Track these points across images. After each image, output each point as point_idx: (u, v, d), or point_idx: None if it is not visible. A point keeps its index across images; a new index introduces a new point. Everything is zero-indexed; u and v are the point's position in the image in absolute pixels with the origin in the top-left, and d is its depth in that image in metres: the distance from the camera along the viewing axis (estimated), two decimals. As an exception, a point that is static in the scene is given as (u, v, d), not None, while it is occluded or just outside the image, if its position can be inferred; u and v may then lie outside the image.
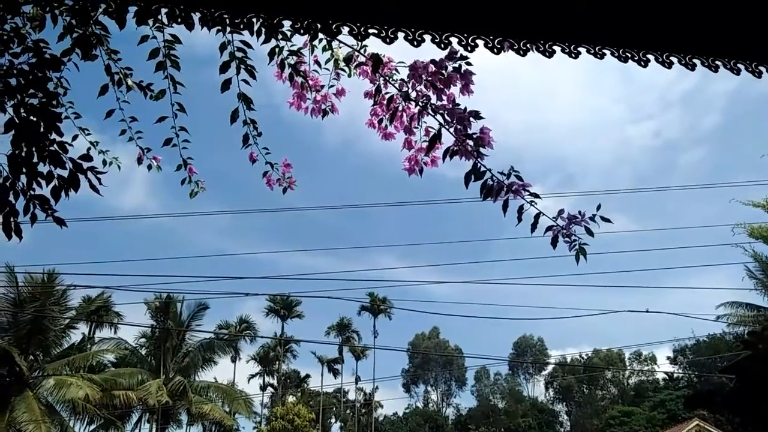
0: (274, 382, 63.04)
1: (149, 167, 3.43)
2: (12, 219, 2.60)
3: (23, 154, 2.59)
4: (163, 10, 2.37)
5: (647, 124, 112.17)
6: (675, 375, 60.05)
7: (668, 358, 66.40)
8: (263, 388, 63.29)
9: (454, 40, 2.44)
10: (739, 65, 2.72)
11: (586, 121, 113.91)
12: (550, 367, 79.13)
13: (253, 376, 62.76)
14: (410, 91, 2.75)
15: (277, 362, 61.79)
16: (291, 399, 54.86)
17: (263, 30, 2.50)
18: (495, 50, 2.45)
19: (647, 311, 18.09)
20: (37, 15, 2.51)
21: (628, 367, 72.52)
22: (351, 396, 70.98)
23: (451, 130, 2.64)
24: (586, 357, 73.10)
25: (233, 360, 57.52)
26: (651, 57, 2.63)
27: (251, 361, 61.99)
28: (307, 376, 65.69)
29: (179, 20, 2.36)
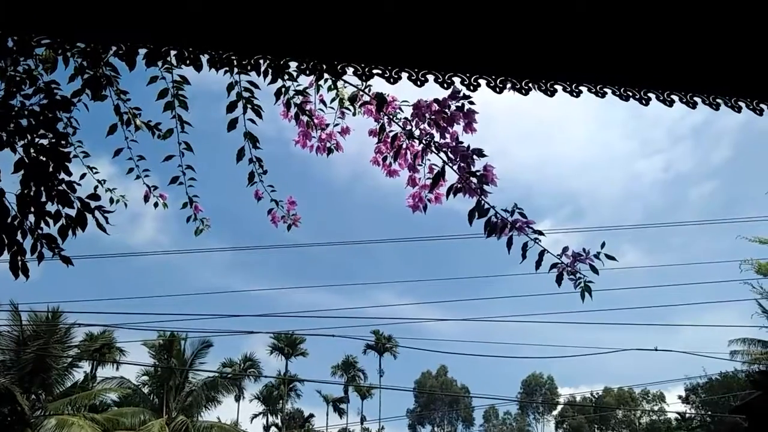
0: (278, 421, 61.87)
1: (155, 205, 3.45)
2: (19, 258, 2.61)
3: (32, 194, 2.61)
4: (173, 52, 2.42)
5: (657, 158, 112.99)
6: (687, 414, 58.56)
7: (680, 397, 64.89)
8: (266, 428, 62.09)
9: (456, 80, 2.46)
10: (740, 103, 2.73)
11: (596, 155, 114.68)
12: (560, 407, 77.51)
13: (256, 415, 61.69)
14: (414, 129, 2.78)
15: (281, 401, 60.77)
16: (295, 439, 53.74)
17: (270, 71, 2.55)
18: (497, 89, 2.47)
19: (656, 349, 17.76)
20: (49, 57, 2.57)
21: (640, 407, 70.82)
22: (356, 436, 69.47)
23: (455, 167, 2.66)
24: (596, 396, 71.51)
25: (237, 399, 56.63)
26: (652, 95, 2.65)
27: (254, 400, 61.04)
28: (311, 415, 64.56)
29: (188, 62, 2.41)
